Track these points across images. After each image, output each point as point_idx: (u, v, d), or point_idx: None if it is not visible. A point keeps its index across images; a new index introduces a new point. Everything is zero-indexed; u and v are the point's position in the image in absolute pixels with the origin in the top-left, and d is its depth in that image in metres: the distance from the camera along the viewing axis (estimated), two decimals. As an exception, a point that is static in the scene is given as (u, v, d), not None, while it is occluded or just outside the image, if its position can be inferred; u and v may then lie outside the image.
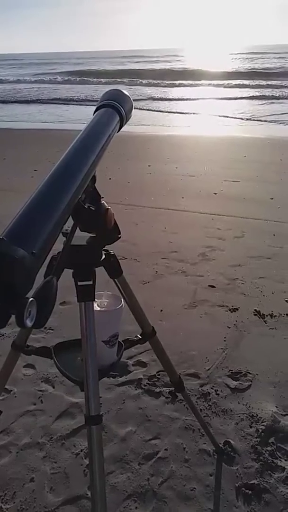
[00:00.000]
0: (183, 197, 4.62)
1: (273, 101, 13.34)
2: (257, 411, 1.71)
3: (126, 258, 2.98)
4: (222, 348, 2.11)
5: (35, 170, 5.38)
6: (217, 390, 1.83)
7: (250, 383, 1.88)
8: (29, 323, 0.51)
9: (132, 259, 3.03)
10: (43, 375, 1.93)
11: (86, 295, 0.86)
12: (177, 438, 1.59)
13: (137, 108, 11.27)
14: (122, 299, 0.99)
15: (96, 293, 0.90)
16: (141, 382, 1.88)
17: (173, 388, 1.46)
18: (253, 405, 1.75)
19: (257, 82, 17.67)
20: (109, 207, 0.87)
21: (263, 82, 17.49)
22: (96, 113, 0.95)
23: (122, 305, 0.97)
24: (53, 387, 1.86)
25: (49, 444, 1.57)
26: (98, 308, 0.95)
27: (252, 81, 18.07)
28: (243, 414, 1.70)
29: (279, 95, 14.34)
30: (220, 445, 1.55)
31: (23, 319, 0.49)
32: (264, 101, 13.29)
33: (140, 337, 1.15)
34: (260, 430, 1.61)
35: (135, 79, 19.68)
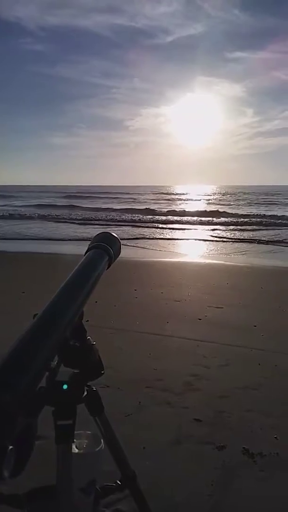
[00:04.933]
0: (168, 322, 4.66)
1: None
2: None
3: (108, 387, 2.86)
4: (209, 494, 1.92)
5: (22, 292, 5.47)
6: None
7: (242, 539, 1.67)
8: (6, 474, 0.49)
9: (115, 388, 2.91)
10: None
11: (64, 436, 0.83)
12: None
13: (127, 245, 11.86)
14: (102, 440, 0.95)
15: (75, 432, 0.86)
16: (119, 537, 1.66)
17: None
18: None
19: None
20: (94, 343, 0.90)
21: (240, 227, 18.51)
22: (86, 254, 1.04)
23: (102, 446, 0.93)
24: None
25: None
26: (77, 450, 0.90)
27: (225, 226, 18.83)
28: None
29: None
30: None
31: (1, 470, 0.48)
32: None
33: (120, 482, 1.06)
34: None
35: (123, 223, 19.85)
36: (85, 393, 0.91)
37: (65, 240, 13.61)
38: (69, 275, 0.92)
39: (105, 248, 1.06)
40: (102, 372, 0.90)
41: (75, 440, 0.90)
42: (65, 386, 0.79)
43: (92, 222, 20.26)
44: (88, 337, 0.89)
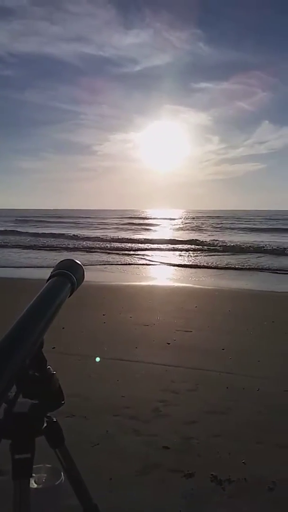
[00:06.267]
0: (136, 347, 4.62)
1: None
2: None
3: (74, 416, 2.79)
4: (177, 525, 1.88)
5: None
6: None
7: None
8: None
9: (82, 417, 2.84)
10: None
11: (22, 471, 0.80)
12: None
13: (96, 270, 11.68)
14: (62, 473, 0.92)
15: (34, 466, 0.84)
16: None
17: None
18: None
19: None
20: (54, 372, 0.88)
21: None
22: (48, 281, 1.03)
23: (62, 479, 0.90)
24: None
25: None
26: (35, 485, 0.87)
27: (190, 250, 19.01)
28: None
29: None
30: None
31: None
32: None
33: (81, 517, 1.03)
34: None
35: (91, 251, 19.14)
36: (45, 424, 0.89)
37: (22, 267, 13.16)
38: (29, 303, 0.91)
39: (67, 276, 1.05)
40: (63, 402, 0.89)
41: (33, 475, 0.87)
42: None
43: (46, 248, 19.61)
44: (48, 367, 0.88)
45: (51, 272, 1.08)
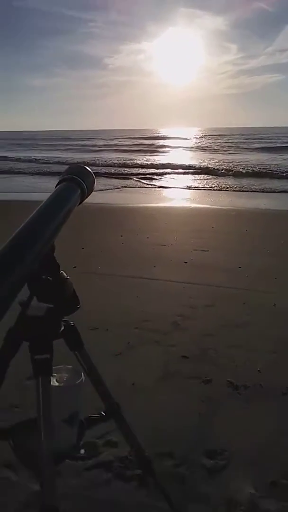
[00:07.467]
0: (155, 266, 4.67)
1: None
2: (234, 494, 1.59)
3: (97, 328, 2.90)
4: (196, 425, 2.00)
5: None
6: (193, 472, 1.70)
7: (226, 461, 1.76)
8: None
9: (104, 329, 2.96)
10: (5, 458, 1.74)
11: (43, 368, 0.82)
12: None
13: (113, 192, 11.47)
14: (82, 373, 0.95)
15: (54, 367, 0.85)
16: (111, 465, 1.73)
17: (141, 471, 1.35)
18: (230, 487, 1.63)
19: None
20: (68, 277, 0.86)
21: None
22: (57, 186, 0.97)
23: (83, 379, 0.92)
24: (17, 474, 1.68)
25: None
26: (57, 384, 0.90)
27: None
28: (220, 498, 1.57)
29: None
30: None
31: None
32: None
33: (104, 414, 1.08)
34: (239, 517, 1.49)
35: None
36: (62, 328, 0.89)
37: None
38: (38, 207, 0.86)
39: (77, 181, 0.99)
40: (78, 306, 0.88)
41: (55, 374, 0.89)
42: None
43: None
44: (62, 271, 0.86)
45: (60, 178, 1.02)
